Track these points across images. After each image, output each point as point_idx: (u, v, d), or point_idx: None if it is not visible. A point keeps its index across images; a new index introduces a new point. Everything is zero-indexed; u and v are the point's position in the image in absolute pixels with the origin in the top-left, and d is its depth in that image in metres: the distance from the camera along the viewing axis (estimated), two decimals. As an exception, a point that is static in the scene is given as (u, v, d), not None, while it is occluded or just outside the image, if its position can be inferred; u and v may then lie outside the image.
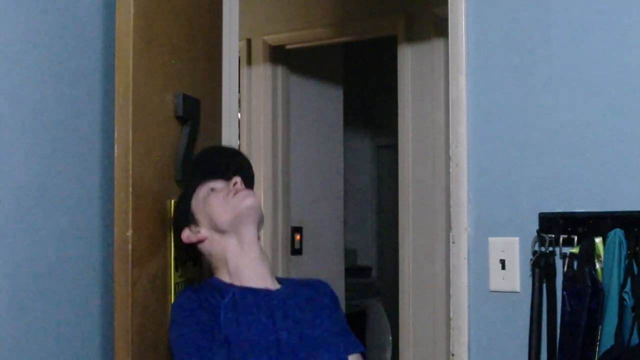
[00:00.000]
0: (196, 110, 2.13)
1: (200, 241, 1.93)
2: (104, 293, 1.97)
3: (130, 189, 1.81)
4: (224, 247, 1.91)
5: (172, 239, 1.99)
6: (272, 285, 1.93)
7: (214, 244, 1.92)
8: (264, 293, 1.88)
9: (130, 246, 1.81)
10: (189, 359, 1.76)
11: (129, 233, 1.81)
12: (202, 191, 1.95)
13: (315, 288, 2.00)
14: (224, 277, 1.92)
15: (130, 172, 1.82)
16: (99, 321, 1.97)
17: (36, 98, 1.79)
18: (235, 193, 1.91)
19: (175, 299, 1.94)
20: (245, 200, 1.91)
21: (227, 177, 1.96)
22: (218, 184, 1.96)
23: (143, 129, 1.88)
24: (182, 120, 2.07)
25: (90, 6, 1.98)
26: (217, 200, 1.92)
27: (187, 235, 1.93)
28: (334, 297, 2.02)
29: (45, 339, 1.80)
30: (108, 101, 1.96)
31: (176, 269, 2.02)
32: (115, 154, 1.83)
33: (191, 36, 2.17)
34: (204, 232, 1.92)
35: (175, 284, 2.01)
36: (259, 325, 1.82)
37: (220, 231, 1.91)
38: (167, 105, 2.01)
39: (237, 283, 1.89)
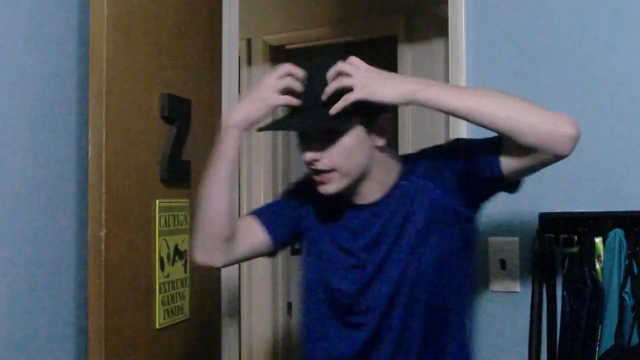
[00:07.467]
0: (185, 110, 2.12)
1: None
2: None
3: (104, 189, 1.80)
4: None
5: None
6: None
7: None
8: None
9: (103, 246, 1.79)
10: None
11: (102, 233, 1.79)
12: None
13: None
14: None
15: (104, 173, 1.80)
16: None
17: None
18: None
19: None
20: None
21: None
22: None
23: (120, 129, 1.85)
24: (168, 120, 2.05)
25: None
26: None
27: None
28: None
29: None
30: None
31: (161, 269, 2.01)
32: (89, 155, 1.81)
33: (181, 36, 2.14)
34: None
35: (160, 284, 2.00)
36: None
37: None
38: (152, 105, 1.99)
39: None
